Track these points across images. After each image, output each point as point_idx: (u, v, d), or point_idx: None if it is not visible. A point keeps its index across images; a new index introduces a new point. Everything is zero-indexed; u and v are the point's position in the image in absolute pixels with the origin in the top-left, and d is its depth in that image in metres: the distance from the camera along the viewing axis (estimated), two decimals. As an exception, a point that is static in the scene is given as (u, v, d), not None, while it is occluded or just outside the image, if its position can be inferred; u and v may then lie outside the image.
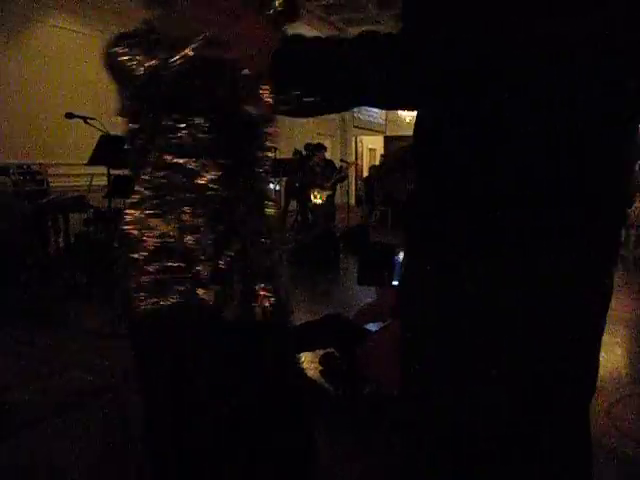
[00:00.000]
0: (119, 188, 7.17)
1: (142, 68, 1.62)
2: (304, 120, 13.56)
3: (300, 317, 4.10)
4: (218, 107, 1.71)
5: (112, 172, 7.13)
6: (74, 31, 8.60)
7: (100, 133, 6.85)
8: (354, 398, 3.89)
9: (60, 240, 7.33)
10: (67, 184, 7.81)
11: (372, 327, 3.88)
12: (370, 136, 22.01)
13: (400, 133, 18.76)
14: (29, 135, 7.82)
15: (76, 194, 7.32)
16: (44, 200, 6.98)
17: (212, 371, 1.37)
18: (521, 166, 1.02)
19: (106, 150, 6.75)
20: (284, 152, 9.82)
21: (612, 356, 5.37)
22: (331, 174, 12.11)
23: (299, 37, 1.18)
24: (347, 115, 19.60)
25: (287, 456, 1.48)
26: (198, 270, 1.33)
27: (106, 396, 4.06)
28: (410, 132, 1.26)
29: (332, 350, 4.08)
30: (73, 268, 7.14)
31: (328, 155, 13.62)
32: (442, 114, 1.07)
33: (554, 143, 1.02)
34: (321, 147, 12.24)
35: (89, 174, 7.30)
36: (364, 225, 11.65)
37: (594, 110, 1.02)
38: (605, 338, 4.56)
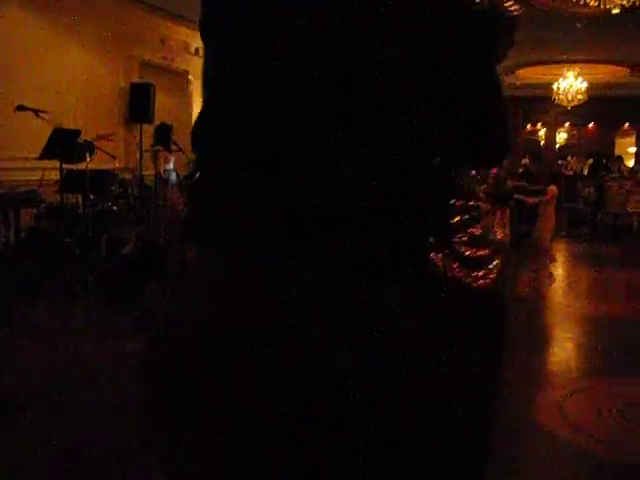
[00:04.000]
0: (71, 183, 7.06)
1: None
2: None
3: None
4: None
5: (64, 166, 7.03)
6: (26, 21, 8.40)
7: (52, 127, 6.73)
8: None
9: (10, 235, 7.17)
10: (18, 178, 7.63)
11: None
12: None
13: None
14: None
15: (27, 189, 7.16)
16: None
17: None
18: None
19: (58, 144, 6.63)
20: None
21: (563, 351, 5.46)
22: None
23: None
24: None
25: None
26: None
27: (57, 396, 3.99)
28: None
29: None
30: (23, 263, 6.99)
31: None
32: None
33: None
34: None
35: (41, 168, 7.15)
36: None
37: None
38: (557, 334, 4.66)
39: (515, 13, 1.39)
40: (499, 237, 7.24)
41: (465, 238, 1.20)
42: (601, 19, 9.67)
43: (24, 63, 8.25)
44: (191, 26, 11.48)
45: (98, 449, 3.31)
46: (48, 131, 6.75)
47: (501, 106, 1.13)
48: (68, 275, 6.68)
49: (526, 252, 8.42)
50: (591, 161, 17.95)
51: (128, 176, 8.79)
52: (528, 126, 21.15)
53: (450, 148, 1.09)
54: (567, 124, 20.96)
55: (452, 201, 1.16)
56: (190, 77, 11.94)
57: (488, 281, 1.23)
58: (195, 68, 12.30)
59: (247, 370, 1.03)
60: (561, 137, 21.49)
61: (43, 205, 7.34)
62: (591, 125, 20.73)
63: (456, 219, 1.19)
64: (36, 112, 6.59)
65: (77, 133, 6.97)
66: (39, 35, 8.61)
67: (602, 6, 7.08)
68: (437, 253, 1.11)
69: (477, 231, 1.27)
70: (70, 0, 8.96)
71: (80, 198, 7.56)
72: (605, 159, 17.69)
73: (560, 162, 19.97)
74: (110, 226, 7.52)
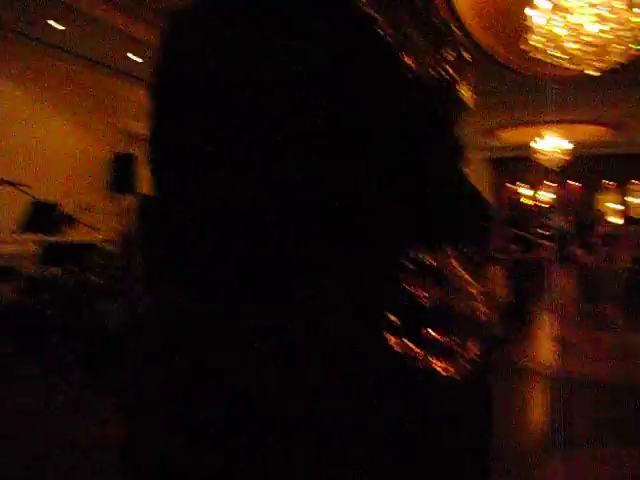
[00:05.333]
0: (52, 255, 6.96)
1: None
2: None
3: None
4: None
5: (45, 239, 6.92)
6: (8, 93, 8.41)
7: (28, 198, 6.65)
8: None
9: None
10: (-3, 251, 7.53)
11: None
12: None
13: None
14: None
15: (3, 264, 7.03)
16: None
17: None
18: None
19: (37, 217, 6.55)
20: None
21: (538, 419, 5.32)
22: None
23: None
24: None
25: None
26: None
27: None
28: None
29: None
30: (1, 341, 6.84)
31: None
32: None
33: None
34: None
35: (21, 240, 7.05)
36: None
37: None
38: (532, 400, 4.53)
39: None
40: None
41: (434, 318, 1.05)
42: (579, 81, 9.83)
43: (6, 135, 8.23)
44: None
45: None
46: (28, 202, 6.67)
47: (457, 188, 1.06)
48: (50, 351, 6.52)
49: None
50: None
51: (111, 248, 8.68)
52: (510, 187, 21.32)
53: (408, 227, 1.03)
54: (549, 183, 21.15)
55: (417, 279, 1.04)
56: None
57: (459, 370, 1.07)
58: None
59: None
60: (544, 196, 21.65)
61: (23, 278, 7.21)
62: (573, 183, 20.93)
63: (423, 295, 1.04)
64: (15, 185, 6.52)
65: (55, 206, 6.89)
66: (22, 107, 8.62)
67: (579, 69, 7.16)
68: (397, 336, 1.00)
69: (452, 308, 1.10)
70: (53, 71, 9.02)
71: (61, 271, 7.45)
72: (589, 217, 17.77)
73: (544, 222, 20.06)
74: (93, 299, 7.39)
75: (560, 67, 7.67)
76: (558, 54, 7.11)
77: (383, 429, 0.96)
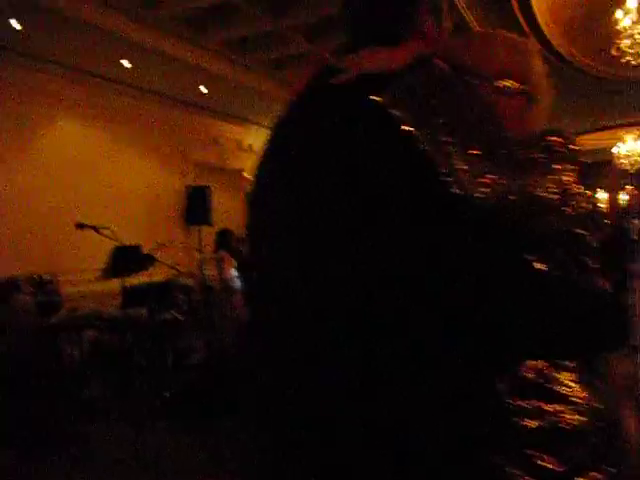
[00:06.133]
0: (134, 298, 6.89)
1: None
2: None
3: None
4: None
5: (126, 279, 6.85)
6: (87, 136, 8.43)
7: (112, 240, 6.57)
8: None
9: (75, 354, 6.95)
10: (80, 290, 7.50)
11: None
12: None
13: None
14: (39, 245, 7.55)
15: (89, 310, 6.97)
16: (55, 320, 6.62)
17: None
18: None
19: (120, 261, 6.46)
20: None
21: None
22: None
23: None
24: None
25: None
26: None
27: None
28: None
29: None
30: (88, 382, 6.76)
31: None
32: None
33: None
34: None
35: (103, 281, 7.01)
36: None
37: None
38: None
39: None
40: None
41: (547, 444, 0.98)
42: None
43: (81, 176, 8.25)
44: (242, 123, 11.50)
45: None
46: (108, 243, 6.60)
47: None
48: (135, 392, 6.41)
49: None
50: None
51: (190, 282, 8.58)
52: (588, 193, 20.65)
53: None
54: (628, 186, 20.38)
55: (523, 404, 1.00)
56: (245, 174, 11.89)
57: None
58: (249, 165, 12.26)
59: None
60: (623, 200, 20.86)
61: (106, 319, 7.15)
62: (654, 187, 20.13)
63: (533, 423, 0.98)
64: (96, 229, 6.43)
65: (137, 248, 6.81)
66: (94, 146, 8.63)
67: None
68: (506, 465, 0.96)
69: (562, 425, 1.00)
70: (123, 108, 9.01)
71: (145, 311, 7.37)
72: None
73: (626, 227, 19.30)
74: (175, 336, 7.30)
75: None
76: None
77: None
